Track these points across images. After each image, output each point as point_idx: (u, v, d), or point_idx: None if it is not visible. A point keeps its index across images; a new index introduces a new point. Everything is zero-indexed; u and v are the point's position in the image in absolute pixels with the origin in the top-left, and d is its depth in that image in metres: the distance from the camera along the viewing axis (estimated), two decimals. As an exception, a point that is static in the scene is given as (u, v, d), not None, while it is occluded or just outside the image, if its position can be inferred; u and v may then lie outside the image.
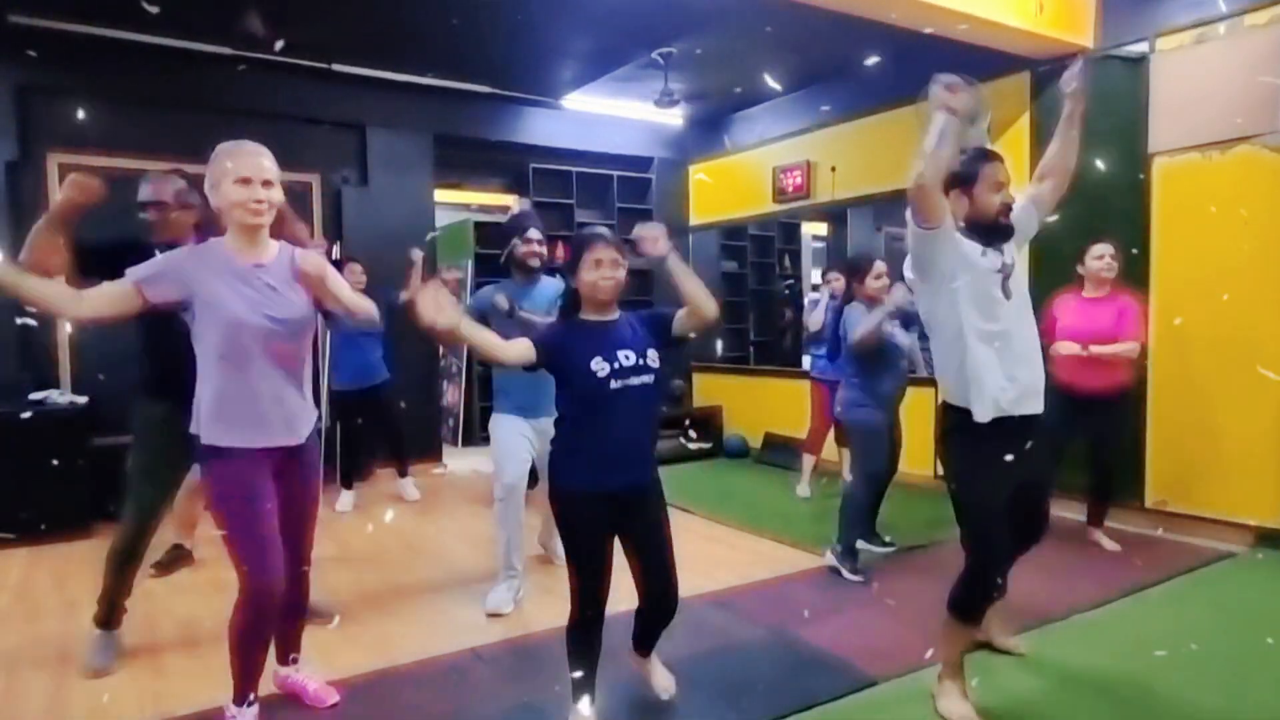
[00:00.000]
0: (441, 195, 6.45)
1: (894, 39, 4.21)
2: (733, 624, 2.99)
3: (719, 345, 7.43)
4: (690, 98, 6.29)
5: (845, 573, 3.50)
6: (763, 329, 8.45)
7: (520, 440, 3.24)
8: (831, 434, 4.91)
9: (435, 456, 6.10)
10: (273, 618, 2.16)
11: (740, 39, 5.02)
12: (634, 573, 2.22)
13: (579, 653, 2.18)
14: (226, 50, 4.93)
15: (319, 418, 2.30)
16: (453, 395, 7.15)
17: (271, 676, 2.37)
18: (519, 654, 2.77)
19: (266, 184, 2.05)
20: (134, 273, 2.00)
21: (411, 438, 5.29)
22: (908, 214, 2.10)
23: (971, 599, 2.23)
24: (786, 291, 8.56)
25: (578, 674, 2.18)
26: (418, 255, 4.85)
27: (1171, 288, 4.04)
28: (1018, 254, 2.30)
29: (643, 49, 5.21)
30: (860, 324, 3.45)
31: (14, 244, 2.28)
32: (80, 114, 4.09)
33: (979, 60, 3.79)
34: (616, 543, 2.18)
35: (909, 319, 3.55)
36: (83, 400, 4.43)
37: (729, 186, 6.84)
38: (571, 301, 2.21)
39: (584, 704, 2.19)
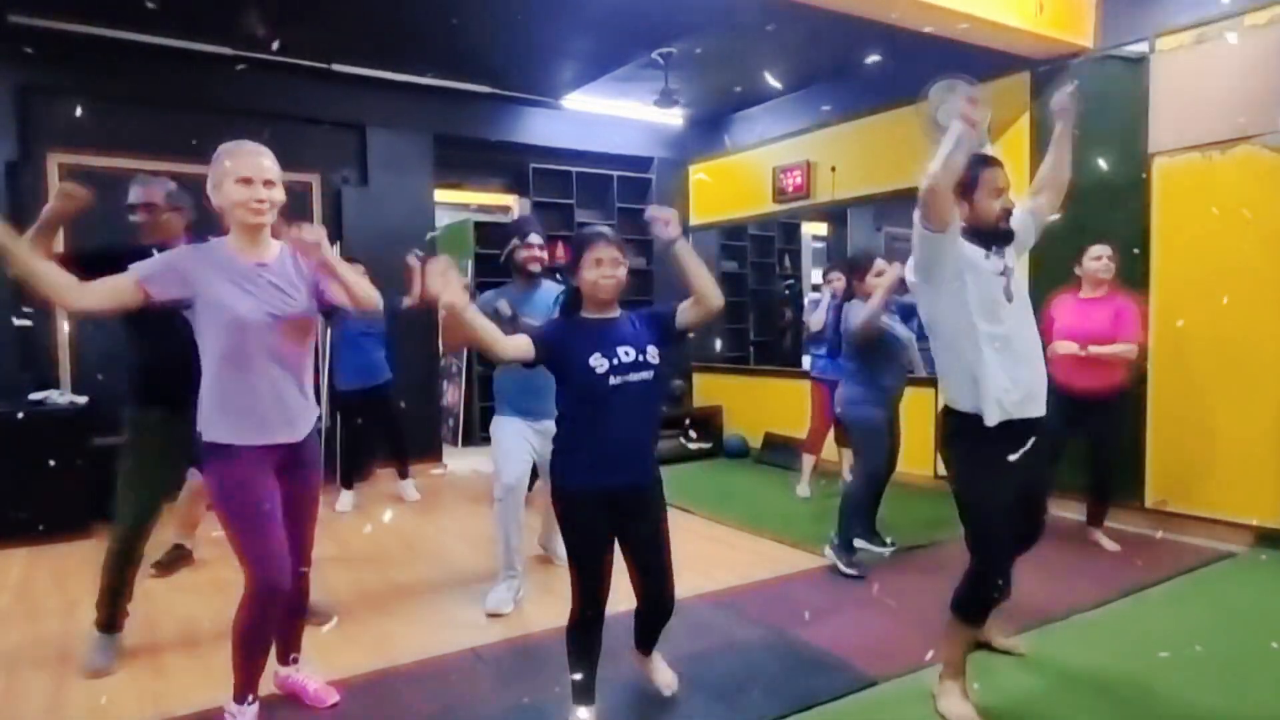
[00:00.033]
0: (441, 195, 6.45)
1: (894, 39, 4.21)
2: (733, 624, 2.99)
3: (718, 344, 7.44)
4: (690, 98, 6.29)
5: (841, 566, 3.52)
6: (763, 329, 8.45)
7: (521, 442, 3.25)
8: (831, 434, 4.92)
9: (435, 456, 6.10)
10: (278, 615, 2.16)
11: (740, 39, 5.02)
12: (631, 573, 2.22)
13: (579, 653, 2.18)
14: (226, 50, 4.93)
15: (319, 417, 2.30)
16: (453, 395, 7.15)
17: (272, 676, 2.37)
18: (519, 654, 2.77)
19: (268, 184, 2.07)
20: (137, 268, 2.01)
21: (411, 438, 5.29)
22: (915, 216, 2.11)
23: (976, 600, 2.23)
24: (786, 291, 8.56)
25: (578, 674, 2.18)
26: (415, 260, 4.85)
27: (1171, 287, 4.04)
28: (1017, 261, 2.31)
29: (643, 49, 5.21)
30: (860, 311, 3.47)
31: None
32: (80, 114, 4.08)
33: (979, 60, 3.79)
34: (617, 542, 2.18)
35: (908, 312, 3.56)
36: (83, 400, 4.43)
37: (729, 186, 6.84)
38: (572, 300, 2.22)
39: (584, 704, 2.20)
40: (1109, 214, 4.11)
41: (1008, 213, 2.24)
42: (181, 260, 2.06)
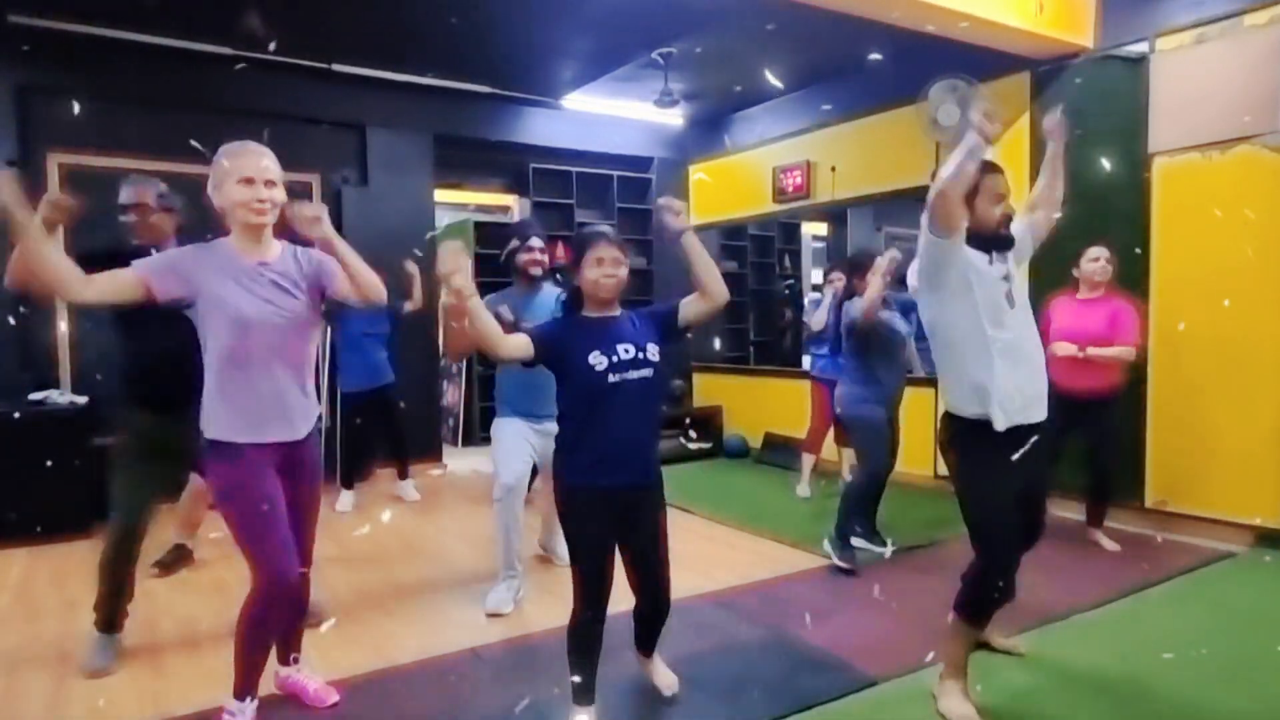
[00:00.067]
0: (441, 195, 6.45)
1: (894, 39, 4.22)
2: (733, 624, 2.99)
3: (717, 343, 7.44)
4: (690, 98, 6.29)
5: (835, 558, 3.55)
6: (763, 329, 8.45)
7: (521, 442, 3.25)
8: (831, 434, 4.92)
9: (435, 456, 6.10)
10: (284, 611, 2.18)
11: (740, 39, 5.02)
12: (628, 572, 2.23)
13: (580, 654, 2.18)
14: (226, 50, 4.93)
15: (319, 417, 2.30)
16: (453, 395, 7.15)
17: (272, 677, 2.37)
18: (519, 654, 2.77)
19: (269, 184, 2.08)
20: (140, 264, 2.03)
21: (411, 438, 5.29)
22: (923, 220, 2.12)
23: (980, 601, 2.23)
24: (786, 291, 8.56)
25: (578, 675, 2.18)
26: (414, 267, 4.86)
27: (1171, 287, 4.04)
28: (1017, 269, 2.33)
29: (643, 49, 5.21)
30: (860, 302, 3.49)
31: (13, 245, 2.28)
32: (80, 114, 4.09)
33: (979, 60, 3.79)
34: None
35: (907, 308, 3.57)
36: (83, 400, 4.43)
37: (729, 186, 6.84)
38: (573, 299, 2.22)
39: (584, 704, 2.20)
40: (1109, 214, 4.11)
41: (1008, 219, 2.26)
42: (185, 259, 2.08)
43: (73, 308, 4.11)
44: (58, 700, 2.46)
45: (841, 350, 3.89)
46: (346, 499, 4.90)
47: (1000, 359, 2.15)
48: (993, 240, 2.23)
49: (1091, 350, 3.58)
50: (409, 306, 4.93)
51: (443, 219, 6.70)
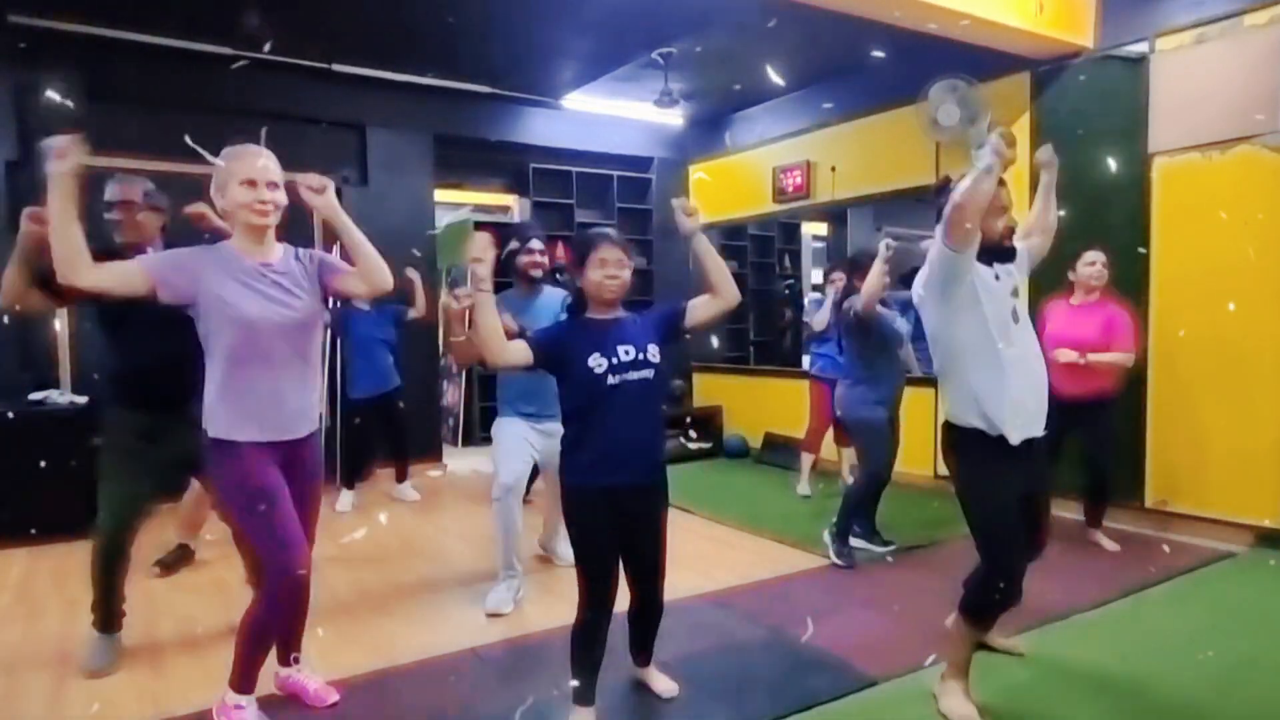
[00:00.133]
0: (441, 195, 6.45)
1: (894, 39, 4.22)
2: (733, 624, 2.99)
3: (714, 341, 7.43)
4: (690, 98, 6.29)
5: (831, 554, 3.60)
6: (763, 329, 8.45)
7: (521, 442, 3.25)
8: (830, 433, 4.92)
9: (435, 456, 6.10)
10: (294, 606, 2.20)
11: (740, 39, 5.02)
12: (625, 570, 2.23)
13: (583, 656, 2.18)
14: (227, 50, 4.92)
15: (321, 417, 2.31)
16: (453, 395, 7.14)
17: (272, 677, 2.37)
18: (519, 654, 2.77)
19: (271, 185, 2.10)
20: (145, 259, 2.05)
21: (412, 438, 5.29)
22: (937, 233, 2.12)
23: (986, 603, 2.23)
24: (786, 291, 8.56)
25: (580, 676, 2.18)
26: (416, 274, 4.88)
27: (1171, 287, 4.04)
28: (1020, 282, 2.34)
29: (643, 49, 5.21)
30: (860, 295, 3.50)
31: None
32: (80, 114, 4.09)
33: (979, 60, 3.79)
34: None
35: (905, 306, 3.58)
36: (83, 400, 4.43)
37: (729, 186, 6.83)
38: (577, 301, 2.23)
39: (584, 705, 2.20)
40: (1109, 214, 4.12)
41: (1011, 230, 2.28)
42: (189, 257, 2.09)
43: (72, 308, 4.10)
44: (58, 700, 2.46)
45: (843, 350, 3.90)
46: (346, 499, 4.90)
47: (1007, 374, 2.16)
48: (996, 252, 2.24)
49: (1092, 357, 3.58)
50: (413, 314, 4.94)
51: (443, 219, 6.69)
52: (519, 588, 3.22)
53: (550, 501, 3.67)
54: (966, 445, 2.24)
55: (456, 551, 4.08)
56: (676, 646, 2.65)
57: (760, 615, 3.06)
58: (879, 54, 4.53)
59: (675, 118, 6.92)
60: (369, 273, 2.18)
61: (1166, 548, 3.72)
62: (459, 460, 6.34)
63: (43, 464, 3.83)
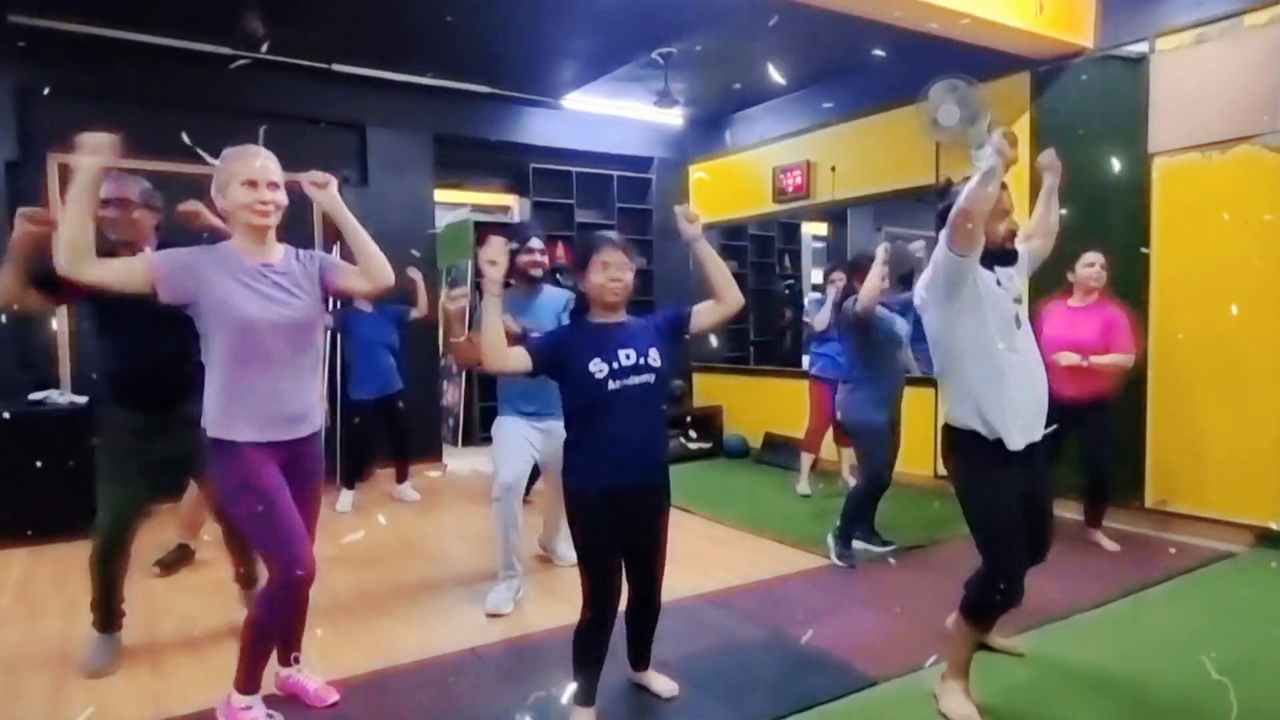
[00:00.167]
0: (441, 195, 6.45)
1: (894, 39, 4.22)
2: (733, 624, 2.99)
3: (714, 341, 7.44)
4: (690, 97, 6.29)
5: (833, 556, 3.62)
6: (763, 329, 8.44)
7: (521, 442, 3.25)
8: (830, 433, 4.92)
9: (435, 456, 6.10)
10: (297, 605, 2.20)
11: (740, 39, 5.02)
12: (625, 569, 2.23)
13: (585, 657, 2.18)
14: (226, 50, 4.92)
15: (321, 417, 2.31)
16: (453, 395, 7.15)
17: (272, 677, 2.37)
18: (519, 654, 2.77)
19: (272, 186, 2.10)
20: (148, 256, 2.05)
21: (412, 438, 5.29)
22: (941, 237, 2.12)
23: (987, 604, 2.23)
24: (786, 291, 8.55)
25: (581, 676, 2.18)
26: (417, 274, 4.87)
27: (1171, 287, 4.04)
28: (1022, 287, 2.34)
29: (643, 49, 5.21)
30: (861, 295, 3.51)
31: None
32: (80, 114, 4.07)
33: (979, 60, 3.79)
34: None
35: (904, 307, 3.59)
36: (83, 400, 4.43)
37: (729, 186, 6.84)
38: (580, 304, 2.23)
39: (584, 705, 2.20)
40: (1109, 214, 4.12)
41: (1012, 234, 2.28)
42: (191, 256, 2.09)
43: (71, 307, 4.10)
44: (58, 700, 2.45)
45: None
46: (346, 499, 4.90)
47: (1007, 378, 2.16)
48: (998, 255, 2.24)
49: (1094, 359, 3.58)
50: (415, 314, 4.94)
51: (443, 219, 6.70)
52: (519, 588, 3.22)
53: (550, 501, 3.67)
54: (966, 447, 2.24)
55: (456, 551, 4.08)
56: (676, 646, 2.65)
57: (760, 615, 3.06)
58: (879, 54, 4.53)
59: (675, 118, 6.92)
60: (370, 268, 2.18)
61: (1173, 550, 3.71)
62: (459, 460, 6.34)
63: (43, 464, 3.83)
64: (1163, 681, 2.45)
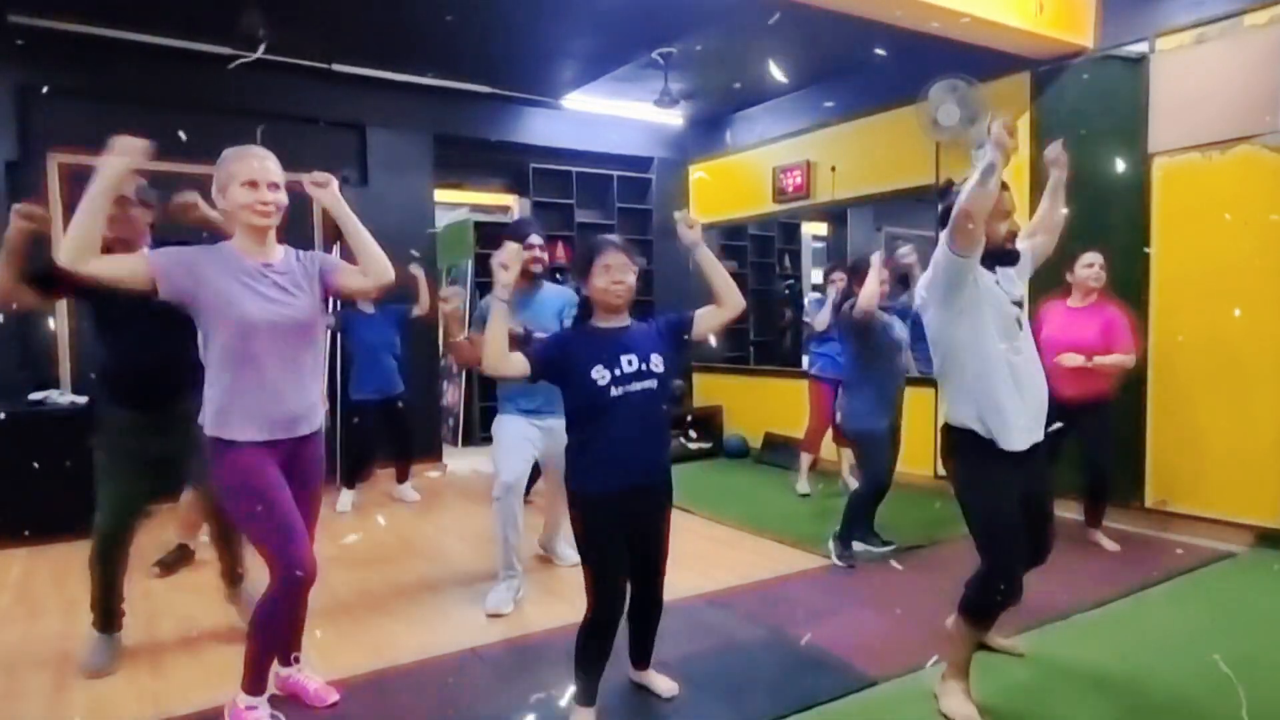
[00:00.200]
0: (441, 195, 6.45)
1: (894, 39, 4.21)
2: (733, 624, 2.99)
3: (714, 341, 7.43)
4: (690, 98, 6.28)
5: (834, 557, 3.63)
6: (763, 329, 8.44)
7: (522, 441, 3.25)
8: (830, 433, 4.92)
9: (435, 456, 6.10)
10: (303, 601, 2.20)
11: (740, 38, 5.02)
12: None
13: (589, 658, 2.18)
14: (226, 50, 4.92)
15: (322, 416, 2.31)
16: (453, 395, 7.15)
17: (272, 677, 2.36)
18: (519, 654, 2.77)
19: (272, 186, 2.10)
20: (148, 253, 2.06)
21: (412, 438, 5.29)
22: (942, 237, 2.12)
23: (986, 603, 2.23)
24: (786, 291, 8.56)
25: (583, 676, 2.18)
26: (419, 270, 4.86)
27: (1171, 287, 4.04)
28: (1023, 288, 2.34)
29: (643, 49, 5.21)
30: (860, 299, 3.51)
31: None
32: (80, 114, 4.09)
33: (979, 60, 3.79)
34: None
35: (904, 312, 3.59)
36: (83, 400, 4.43)
37: (729, 186, 6.84)
38: (583, 308, 2.23)
39: (585, 705, 2.20)
40: (1109, 214, 4.12)
41: (1013, 234, 2.28)
42: (191, 255, 2.09)
43: (71, 307, 4.10)
44: (58, 700, 2.45)
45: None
46: (346, 499, 4.90)
47: (1007, 379, 2.16)
48: (999, 255, 2.24)
49: (1097, 360, 3.58)
50: (417, 311, 4.94)
51: (442, 219, 6.70)
52: (519, 588, 3.22)
53: (551, 501, 3.67)
54: (965, 448, 2.23)
55: (456, 551, 4.08)
56: (676, 646, 2.65)
57: (760, 615, 3.06)
58: (879, 54, 4.53)
59: (675, 118, 6.92)
60: (371, 266, 2.18)
61: (1180, 550, 3.72)
62: (459, 460, 6.34)
63: (42, 464, 3.83)
64: (1163, 681, 2.45)
